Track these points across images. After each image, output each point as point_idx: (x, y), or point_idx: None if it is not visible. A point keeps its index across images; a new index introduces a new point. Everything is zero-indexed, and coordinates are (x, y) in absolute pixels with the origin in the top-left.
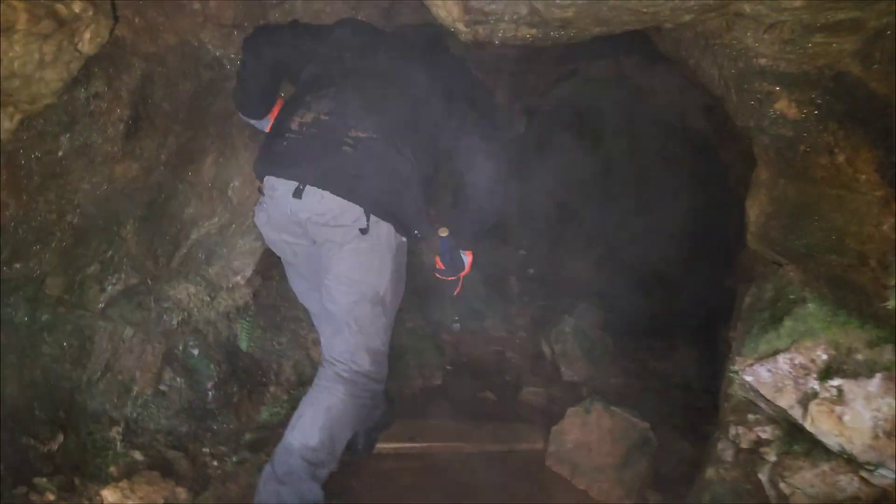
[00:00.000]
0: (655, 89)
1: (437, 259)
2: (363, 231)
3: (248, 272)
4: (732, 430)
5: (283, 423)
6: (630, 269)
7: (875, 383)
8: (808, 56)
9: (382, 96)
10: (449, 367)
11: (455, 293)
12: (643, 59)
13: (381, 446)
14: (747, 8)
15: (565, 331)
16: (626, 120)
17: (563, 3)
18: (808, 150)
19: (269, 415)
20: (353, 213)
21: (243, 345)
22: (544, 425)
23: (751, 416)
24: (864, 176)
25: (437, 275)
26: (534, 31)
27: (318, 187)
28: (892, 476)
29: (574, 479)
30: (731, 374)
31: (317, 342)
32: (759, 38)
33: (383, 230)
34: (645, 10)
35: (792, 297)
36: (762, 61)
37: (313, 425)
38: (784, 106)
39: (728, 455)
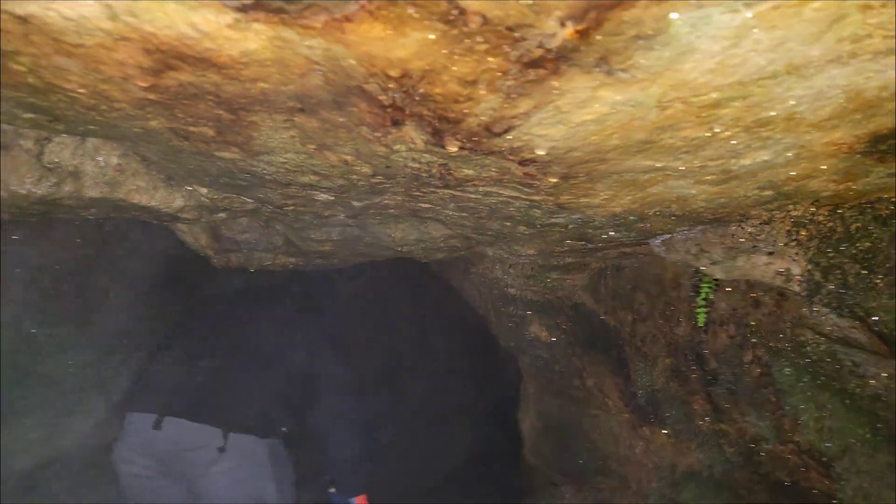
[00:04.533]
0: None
1: None
2: (221, 450)
3: None
4: None
5: None
6: (424, 481)
7: None
8: (549, 289)
9: None
10: None
11: None
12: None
13: None
14: (489, 251)
15: None
16: (415, 331)
17: (320, 239)
18: (563, 371)
19: None
20: (208, 434)
21: None
22: None
23: None
24: (610, 401)
25: None
26: (294, 259)
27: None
28: None
29: None
30: None
31: None
32: (506, 272)
33: (247, 444)
34: (400, 249)
35: None
36: (512, 290)
37: None
38: (537, 329)
39: None
